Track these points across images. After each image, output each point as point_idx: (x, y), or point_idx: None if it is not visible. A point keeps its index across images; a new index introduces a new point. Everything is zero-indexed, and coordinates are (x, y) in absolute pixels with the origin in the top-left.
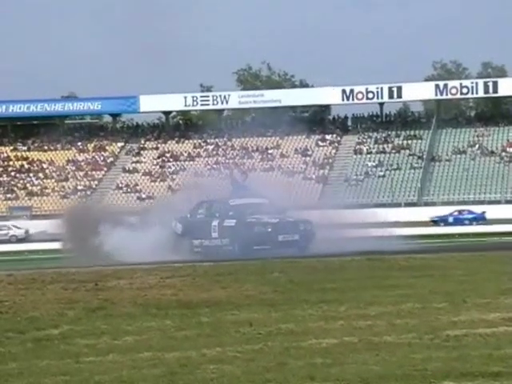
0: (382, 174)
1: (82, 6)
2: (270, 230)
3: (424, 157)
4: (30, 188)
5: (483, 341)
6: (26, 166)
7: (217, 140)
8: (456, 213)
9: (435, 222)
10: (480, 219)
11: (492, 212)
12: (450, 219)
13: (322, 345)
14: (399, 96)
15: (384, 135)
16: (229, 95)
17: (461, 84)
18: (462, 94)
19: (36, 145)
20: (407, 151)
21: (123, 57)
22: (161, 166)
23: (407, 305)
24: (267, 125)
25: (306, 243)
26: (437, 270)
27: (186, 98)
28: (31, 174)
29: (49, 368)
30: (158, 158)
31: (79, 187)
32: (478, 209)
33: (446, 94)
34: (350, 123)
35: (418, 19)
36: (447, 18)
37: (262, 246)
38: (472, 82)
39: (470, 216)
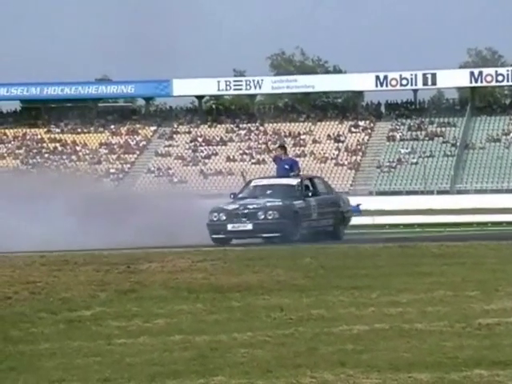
0: (414, 161)
1: None
2: (224, 217)
3: (457, 144)
4: (63, 170)
5: None
6: (60, 148)
7: (249, 125)
8: None
9: None
10: (355, 211)
11: None
12: None
13: (352, 331)
14: (433, 83)
15: (417, 122)
16: (262, 80)
17: (496, 71)
18: (497, 81)
19: (69, 127)
20: (441, 138)
21: (157, 40)
22: (193, 150)
23: (439, 292)
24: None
25: (263, 233)
26: (469, 258)
27: (219, 82)
28: (64, 157)
29: (81, 349)
30: (191, 142)
31: (111, 170)
32: (353, 201)
33: (481, 82)
34: (383, 110)
35: (454, 5)
36: (483, 4)
37: (217, 235)
38: (507, 70)
39: None
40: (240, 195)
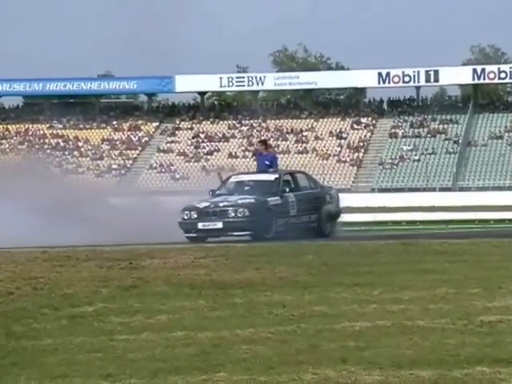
0: (417, 158)
1: None
2: (195, 216)
3: (460, 141)
4: (65, 166)
5: None
6: (62, 144)
7: (251, 121)
8: None
9: None
10: None
11: None
12: None
13: (354, 328)
14: (436, 80)
15: (420, 119)
16: (264, 76)
17: (499, 69)
18: (499, 78)
19: (72, 123)
20: (443, 136)
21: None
22: (195, 147)
23: (441, 290)
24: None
25: (233, 231)
26: (471, 256)
27: (221, 78)
28: (66, 152)
29: (83, 345)
30: (193, 138)
31: (114, 166)
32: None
33: (484, 79)
34: (385, 106)
35: (457, 2)
36: (486, 1)
37: (189, 233)
38: (510, 67)
39: None
40: (217, 192)
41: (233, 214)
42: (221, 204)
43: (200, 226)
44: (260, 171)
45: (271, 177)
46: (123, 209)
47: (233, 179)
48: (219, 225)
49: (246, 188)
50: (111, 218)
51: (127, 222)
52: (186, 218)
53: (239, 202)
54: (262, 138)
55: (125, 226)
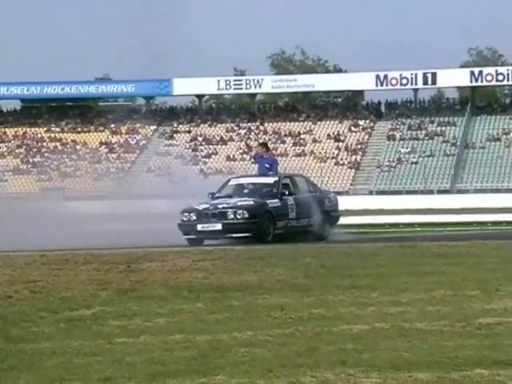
0: (415, 160)
1: None
2: (194, 217)
3: (458, 144)
4: (63, 169)
5: None
6: (60, 148)
7: (249, 124)
8: None
9: None
10: None
11: None
12: None
13: (353, 330)
14: (434, 82)
15: (418, 121)
16: (262, 79)
17: (496, 71)
18: (497, 81)
19: (69, 126)
20: (441, 138)
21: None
22: (193, 150)
23: (439, 292)
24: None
25: (233, 233)
26: (469, 258)
27: (219, 81)
28: (64, 156)
29: (81, 348)
30: (191, 141)
31: (112, 169)
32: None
33: (481, 81)
34: (383, 109)
35: (454, 5)
36: (483, 3)
37: (188, 235)
38: (508, 69)
39: None
40: (217, 194)
41: (232, 216)
42: (220, 206)
43: (199, 227)
44: (260, 174)
45: (270, 180)
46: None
47: (232, 182)
48: (218, 226)
49: (246, 191)
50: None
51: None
52: (185, 219)
53: (238, 203)
54: (263, 141)
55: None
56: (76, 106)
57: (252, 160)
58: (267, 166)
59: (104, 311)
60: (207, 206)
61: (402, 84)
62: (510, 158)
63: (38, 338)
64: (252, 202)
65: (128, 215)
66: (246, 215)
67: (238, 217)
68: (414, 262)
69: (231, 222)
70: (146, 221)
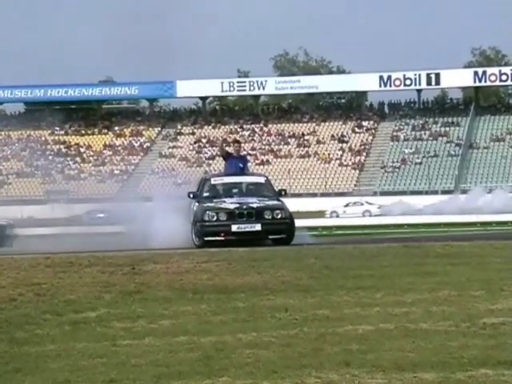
0: (419, 161)
1: None
2: (224, 218)
3: (462, 144)
4: (67, 172)
5: None
6: (64, 150)
7: (253, 126)
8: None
9: None
10: None
11: None
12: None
13: (357, 331)
14: (437, 83)
15: (421, 122)
16: (265, 81)
17: (500, 71)
18: (501, 81)
19: (73, 129)
20: (445, 138)
21: (161, 41)
22: (197, 152)
23: (444, 292)
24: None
25: (271, 235)
26: (474, 258)
27: (222, 83)
28: (68, 158)
29: (86, 350)
30: (195, 143)
31: (116, 172)
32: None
33: (485, 81)
34: (387, 110)
35: (458, 5)
36: (487, 3)
37: (214, 237)
38: (511, 70)
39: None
40: (205, 195)
41: (270, 217)
42: (254, 205)
43: (234, 228)
44: (233, 174)
45: (261, 179)
46: None
47: (214, 181)
48: (258, 227)
49: (241, 191)
50: None
51: None
52: (211, 219)
53: (268, 203)
54: (237, 139)
55: None
56: (80, 108)
57: (219, 157)
58: (241, 165)
59: (108, 313)
60: (238, 205)
61: (405, 85)
62: None
63: (43, 340)
64: (280, 202)
65: None
66: (283, 215)
67: (277, 217)
68: (418, 262)
69: (269, 222)
70: None
